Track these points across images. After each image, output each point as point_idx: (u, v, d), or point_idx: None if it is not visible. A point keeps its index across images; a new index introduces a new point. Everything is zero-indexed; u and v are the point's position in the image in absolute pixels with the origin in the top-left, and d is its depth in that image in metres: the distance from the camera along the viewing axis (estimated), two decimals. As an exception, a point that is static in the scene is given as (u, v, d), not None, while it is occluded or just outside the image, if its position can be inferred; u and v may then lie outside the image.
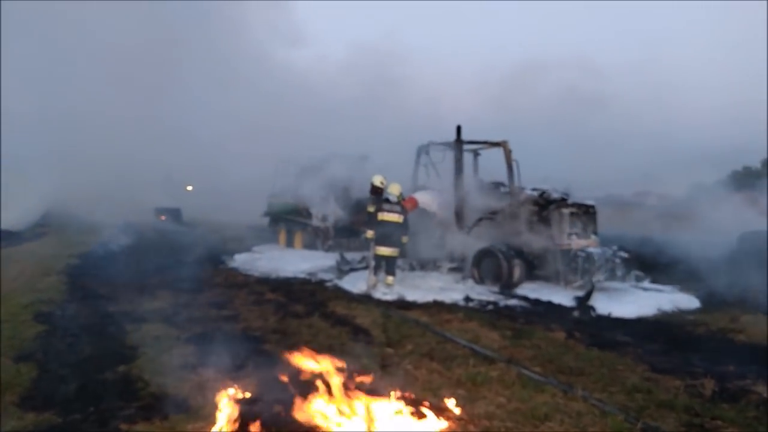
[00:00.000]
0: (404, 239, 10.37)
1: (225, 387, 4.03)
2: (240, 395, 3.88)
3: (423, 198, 11.61)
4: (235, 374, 5.05)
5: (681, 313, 8.74)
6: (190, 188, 34.37)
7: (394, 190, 10.36)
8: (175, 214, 27.05)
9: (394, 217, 10.19)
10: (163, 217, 26.51)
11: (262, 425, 3.60)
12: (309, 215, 15.92)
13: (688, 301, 9.43)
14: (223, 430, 3.65)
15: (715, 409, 4.79)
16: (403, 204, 10.45)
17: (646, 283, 10.54)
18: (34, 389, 5.09)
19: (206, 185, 29.20)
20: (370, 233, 10.31)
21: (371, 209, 10.47)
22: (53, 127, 26.55)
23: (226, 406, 3.79)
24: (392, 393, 3.73)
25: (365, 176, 14.06)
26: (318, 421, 3.52)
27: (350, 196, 15.14)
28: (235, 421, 3.67)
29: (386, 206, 10.22)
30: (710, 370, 5.73)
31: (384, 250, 10.12)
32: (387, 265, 10.17)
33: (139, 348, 6.28)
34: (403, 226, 10.27)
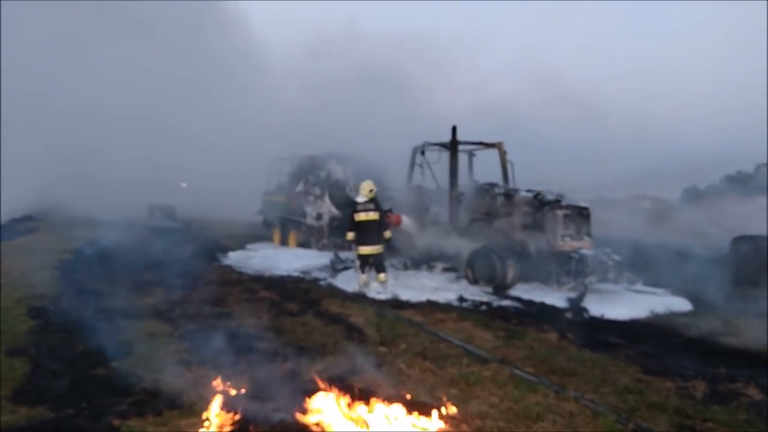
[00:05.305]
0: (387, 234, 10.36)
1: (218, 383, 4.04)
2: (233, 392, 3.90)
3: (406, 222, 11.60)
4: (227, 371, 5.06)
5: (673, 316, 8.78)
6: (184, 185, 34.27)
7: (363, 190, 10.31)
8: (169, 211, 26.98)
9: (370, 216, 10.15)
10: (157, 214, 26.41)
11: (255, 422, 3.62)
12: (303, 214, 15.89)
13: (680, 304, 9.46)
14: (217, 426, 3.66)
15: (706, 411, 4.83)
16: (377, 202, 10.34)
17: (639, 286, 10.57)
18: (27, 384, 5.08)
19: (201, 182, 29.11)
20: (350, 235, 10.32)
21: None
22: (46, 122, 26.40)
23: (218, 402, 3.80)
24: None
25: (361, 175, 14.08)
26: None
27: (346, 195, 15.12)
28: (229, 417, 3.68)
29: (359, 206, 10.19)
30: (701, 373, 5.78)
31: (365, 249, 10.09)
32: (375, 264, 10.16)
33: (132, 344, 6.27)
34: (381, 223, 10.23)
